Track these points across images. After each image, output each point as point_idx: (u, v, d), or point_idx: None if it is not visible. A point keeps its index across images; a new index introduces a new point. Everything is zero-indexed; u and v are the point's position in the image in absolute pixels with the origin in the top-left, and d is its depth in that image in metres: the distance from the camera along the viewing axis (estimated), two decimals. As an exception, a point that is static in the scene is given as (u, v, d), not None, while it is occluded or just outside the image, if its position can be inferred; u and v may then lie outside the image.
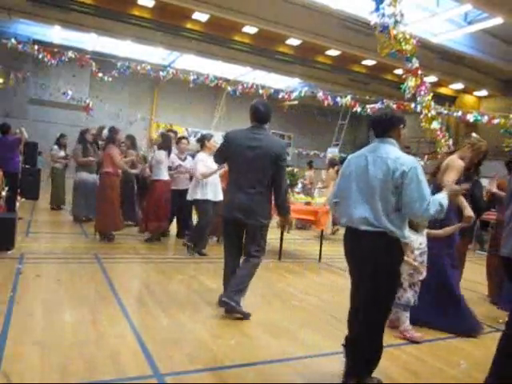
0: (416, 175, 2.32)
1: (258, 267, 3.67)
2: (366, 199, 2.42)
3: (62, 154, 9.26)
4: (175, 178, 6.65)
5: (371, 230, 2.38)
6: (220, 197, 5.67)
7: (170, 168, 6.56)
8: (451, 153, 4.06)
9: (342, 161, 10.54)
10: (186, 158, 6.79)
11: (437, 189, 2.41)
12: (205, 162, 5.63)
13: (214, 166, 5.61)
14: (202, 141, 5.90)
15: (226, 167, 5.49)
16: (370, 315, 2.44)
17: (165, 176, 6.38)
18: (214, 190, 5.71)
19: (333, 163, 9.77)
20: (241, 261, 3.69)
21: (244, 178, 3.50)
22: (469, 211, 3.54)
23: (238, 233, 3.64)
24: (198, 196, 5.67)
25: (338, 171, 9.32)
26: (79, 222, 7.59)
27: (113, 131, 6.34)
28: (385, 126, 2.53)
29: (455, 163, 3.64)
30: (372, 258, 2.39)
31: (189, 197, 5.84)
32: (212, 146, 5.80)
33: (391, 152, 2.43)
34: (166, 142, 6.57)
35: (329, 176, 9.45)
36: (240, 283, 3.54)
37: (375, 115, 2.74)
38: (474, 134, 4.34)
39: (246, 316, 3.53)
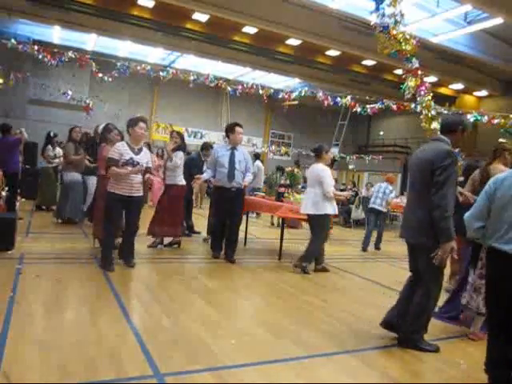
0: None
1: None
2: None
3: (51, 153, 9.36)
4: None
5: None
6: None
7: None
8: (490, 163, 4.24)
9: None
10: (141, 150, 4.89)
11: None
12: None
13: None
14: (320, 151, 5.64)
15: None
16: None
17: (181, 180, 6.11)
18: (332, 204, 5.48)
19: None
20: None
21: None
22: None
23: None
24: (326, 211, 5.39)
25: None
26: (63, 223, 7.54)
27: (106, 130, 5.86)
28: None
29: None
30: None
31: (309, 211, 5.45)
32: (329, 157, 5.79)
33: None
34: (183, 141, 6.22)
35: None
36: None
37: None
38: (501, 140, 4.49)
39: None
